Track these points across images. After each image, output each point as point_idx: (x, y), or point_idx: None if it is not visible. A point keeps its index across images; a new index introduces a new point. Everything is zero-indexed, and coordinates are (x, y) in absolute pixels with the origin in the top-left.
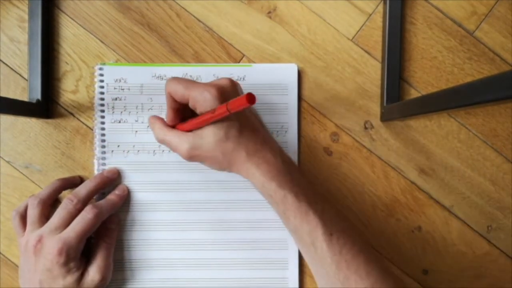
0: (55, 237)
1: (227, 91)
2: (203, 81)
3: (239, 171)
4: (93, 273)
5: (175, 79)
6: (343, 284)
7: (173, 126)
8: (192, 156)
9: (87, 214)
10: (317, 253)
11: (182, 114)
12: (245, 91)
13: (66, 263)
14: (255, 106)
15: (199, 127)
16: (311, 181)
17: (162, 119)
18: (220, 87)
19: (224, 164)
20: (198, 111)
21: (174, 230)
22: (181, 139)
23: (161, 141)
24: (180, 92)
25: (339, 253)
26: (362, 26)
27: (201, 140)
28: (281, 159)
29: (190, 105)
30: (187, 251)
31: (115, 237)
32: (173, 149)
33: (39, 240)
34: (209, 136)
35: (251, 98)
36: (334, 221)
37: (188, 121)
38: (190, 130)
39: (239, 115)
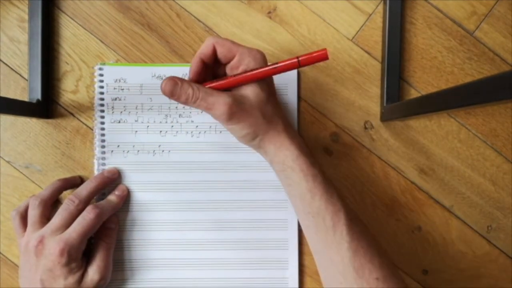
0: (57, 237)
1: (266, 60)
2: None
3: (271, 141)
4: (93, 273)
5: (220, 37)
6: (357, 272)
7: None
8: (232, 113)
9: (88, 214)
10: (336, 237)
11: (205, 76)
12: None
13: (67, 264)
14: None
15: (239, 84)
16: None
17: (188, 81)
18: (264, 54)
19: (261, 129)
20: (240, 69)
21: (174, 230)
22: (220, 94)
23: (194, 100)
24: (228, 45)
25: (357, 239)
26: (362, 26)
27: (243, 98)
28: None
29: (233, 62)
30: (187, 251)
31: (114, 237)
32: (208, 106)
33: (41, 241)
34: (251, 94)
35: (327, 53)
36: (351, 209)
37: (228, 78)
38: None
39: (272, 84)
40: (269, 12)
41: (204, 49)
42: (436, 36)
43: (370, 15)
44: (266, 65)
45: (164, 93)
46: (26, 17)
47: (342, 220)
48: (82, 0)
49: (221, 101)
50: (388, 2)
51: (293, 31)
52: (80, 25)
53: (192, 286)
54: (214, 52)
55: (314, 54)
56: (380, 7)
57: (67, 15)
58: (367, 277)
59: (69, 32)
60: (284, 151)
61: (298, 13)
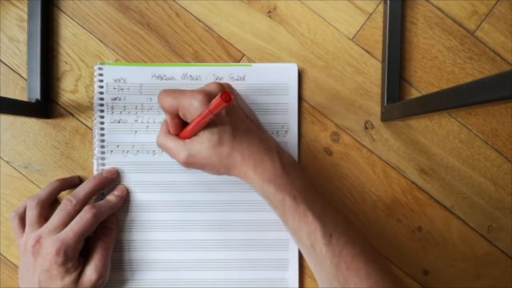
0: (53, 237)
1: (215, 94)
2: (203, 81)
3: (236, 174)
4: (90, 272)
5: (164, 92)
6: (343, 286)
7: (176, 135)
8: (189, 163)
9: (85, 214)
10: (317, 255)
11: (182, 122)
12: (245, 91)
13: (64, 263)
14: (255, 106)
15: (193, 134)
16: (312, 180)
17: (167, 125)
18: (207, 93)
19: (221, 169)
20: (189, 120)
21: (174, 231)
22: (178, 147)
23: (161, 147)
24: (169, 103)
25: (339, 254)
26: (362, 26)
27: (196, 148)
28: (279, 160)
29: (180, 114)
30: (186, 251)
31: (113, 237)
32: (171, 155)
33: (38, 241)
34: (203, 142)
35: (226, 97)
36: (334, 222)
37: (184, 129)
38: (188, 138)
39: (232, 117)
40: (269, 12)
41: (160, 105)
42: (437, 35)
43: (371, 14)
44: (203, 110)
45: None
46: (26, 16)
47: (318, 238)
48: (82, 0)
49: (178, 154)
50: (388, 1)
51: (293, 31)
52: (79, 24)
53: (192, 287)
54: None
55: (217, 101)
56: (381, 7)
57: (67, 15)
58: None
59: (69, 31)
60: (250, 182)
61: (298, 13)
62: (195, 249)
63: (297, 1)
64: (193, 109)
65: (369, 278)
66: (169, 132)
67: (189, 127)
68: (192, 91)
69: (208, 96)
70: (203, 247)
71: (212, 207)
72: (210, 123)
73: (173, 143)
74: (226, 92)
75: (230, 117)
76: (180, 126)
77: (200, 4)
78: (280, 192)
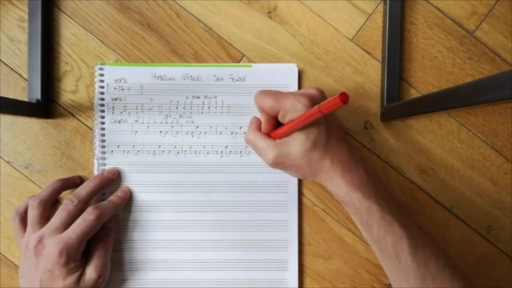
0: (56, 238)
1: (317, 99)
2: (203, 81)
3: (322, 180)
4: (90, 271)
5: (264, 92)
6: None
7: (267, 134)
8: (277, 163)
9: (89, 216)
10: (401, 265)
11: (276, 123)
12: (245, 91)
13: (66, 264)
14: (255, 106)
15: (288, 134)
16: (391, 193)
17: (259, 123)
18: (310, 96)
19: (308, 173)
20: (286, 120)
21: (174, 231)
22: (269, 146)
23: (250, 144)
24: (270, 104)
25: (424, 266)
26: (362, 26)
27: (288, 149)
28: (364, 169)
29: (280, 116)
30: (187, 251)
31: (113, 236)
32: (259, 153)
33: (40, 241)
34: (296, 145)
35: (344, 97)
36: (418, 234)
37: (278, 129)
38: (280, 138)
39: (329, 123)
40: (269, 12)
41: (259, 111)
42: (436, 36)
43: (370, 15)
44: (310, 109)
45: None
46: (26, 17)
47: (405, 249)
48: (82, 0)
49: (267, 153)
50: (388, 2)
51: (293, 31)
52: (80, 25)
53: (192, 287)
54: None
55: (332, 102)
56: (380, 7)
57: (67, 15)
58: None
59: (69, 32)
60: (334, 188)
61: (298, 13)
62: (195, 249)
63: (297, 2)
64: (296, 111)
65: None
66: (259, 130)
67: (285, 127)
68: (294, 94)
69: (311, 99)
70: (203, 247)
71: (212, 207)
72: (306, 127)
73: (264, 142)
74: (344, 93)
75: (327, 122)
76: (274, 126)
77: (200, 5)
78: (367, 199)
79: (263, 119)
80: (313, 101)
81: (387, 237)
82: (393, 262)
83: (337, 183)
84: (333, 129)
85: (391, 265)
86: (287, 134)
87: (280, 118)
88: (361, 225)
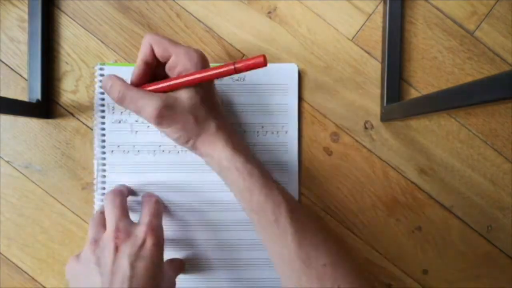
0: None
1: (206, 60)
2: None
3: (205, 143)
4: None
5: (156, 35)
6: (304, 262)
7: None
8: (162, 116)
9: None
10: (280, 230)
11: (149, 76)
12: (245, 91)
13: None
14: (255, 106)
15: (171, 89)
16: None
17: (122, 79)
18: (203, 53)
19: (193, 132)
20: (176, 71)
21: (175, 231)
22: (151, 97)
23: (122, 99)
24: (164, 45)
25: (301, 229)
26: (362, 26)
27: (176, 101)
28: (243, 139)
29: (170, 63)
30: (188, 251)
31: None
32: (137, 109)
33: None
34: (184, 98)
35: (265, 60)
36: (292, 199)
37: (163, 81)
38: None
39: (210, 86)
40: (269, 12)
41: (142, 49)
42: (436, 36)
43: (370, 15)
44: (204, 67)
45: (103, 88)
46: (26, 17)
47: (283, 213)
48: (82, 0)
49: (151, 105)
50: (388, 2)
51: (293, 31)
52: (80, 25)
53: (192, 286)
54: (153, 51)
55: (251, 61)
56: (380, 7)
57: (67, 15)
58: (314, 265)
59: (69, 32)
60: (218, 153)
61: (298, 13)
62: (195, 249)
63: (297, 2)
64: (190, 60)
65: (329, 254)
66: (129, 82)
67: (177, 80)
68: (185, 46)
69: (204, 56)
70: (206, 246)
71: (213, 207)
72: (193, 85)
73: (142, 93)
74: (264, 55)
75: (209, 84)
76: (146, 76)
77: (200, 5)
78: (249, 163)
79: (140, 70)
80: (205, 59)
81: (267, 202)
82: (272, 228)
83: (223, 146)
84: (215, 95)
85: (269, 231)
86: (171, 89)
87: (167, 68)
88: (240, 193)
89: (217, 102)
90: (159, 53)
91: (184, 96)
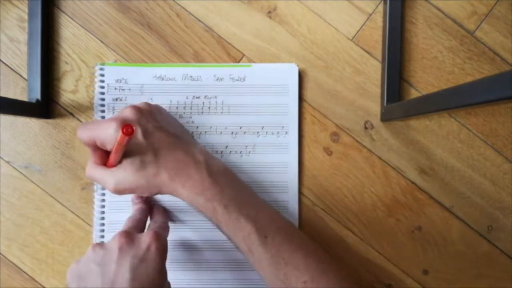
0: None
1: (131, 120)
2: (203, 81)
3: (167, 192)
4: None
5: (82, 125)
6: (285, 283)
7: (103, 165)
8: (119, 190)
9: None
10: (255, 258)
11: (107, 152)
12: (245, 91)
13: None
14: (255, 106)
15: (117, 162)
16: (243, 184)
17: (94, 157)
18: (121, 119)
19: (153, 190)
20: (108, 148)
21: (174, 231)
22: (106, 176)
23: (91, 179)
24: (87, 136)
25: (276, 253)
26: (362, 26)
27: (122, 174)
28: (207, 172)
29: (99, 145)
30: (190, 251)
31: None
32: (102, 185)
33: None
34: (127, 168)
35: (127, 130)
36: (269, 222)
37: (109, 158)
38: (114, 166)
39: (150, 138)
40: (269, 12)
41: (84, 142)
42: (437, 36)
43: (371, 15)
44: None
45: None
46: (26, 17)
47: (254, 242)
48: (82, 0)
49: (108, 184)
50: (388, 1)
51: (293, 31)
52: (80, 25)
53: (192, 287)
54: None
55: (119, 137)
56: (381, 7)
57: (67, 15)
58: (294, 284)
59: (69, 32)
60: (180, 197)
61: (298, 13)
62: (196, 250)
63: (297, 2)
64: (109, 137)
65: (308, 270)
66: (96, 163)
67: (111, 156)
68: (106, 120)
69: (123, 122)
70: (207, 247)
71: None
72: (130, 148)
73: (101, 174)
74: (126, 125)
75: (148, 138)
76: (104, 157)
77: (200, 4)
78: (210, 203)
79: (90, 151)
80: (125, 122)
81: (237, 234)
82: (248, 257)
83: (181, 193)
84: (160, 140)
85: (249, 259)
86: (116, 162)
87: (101, 147)
88: (216, 227)
89: (166, 147)
90: (90, 143)
91: (127, 166)
